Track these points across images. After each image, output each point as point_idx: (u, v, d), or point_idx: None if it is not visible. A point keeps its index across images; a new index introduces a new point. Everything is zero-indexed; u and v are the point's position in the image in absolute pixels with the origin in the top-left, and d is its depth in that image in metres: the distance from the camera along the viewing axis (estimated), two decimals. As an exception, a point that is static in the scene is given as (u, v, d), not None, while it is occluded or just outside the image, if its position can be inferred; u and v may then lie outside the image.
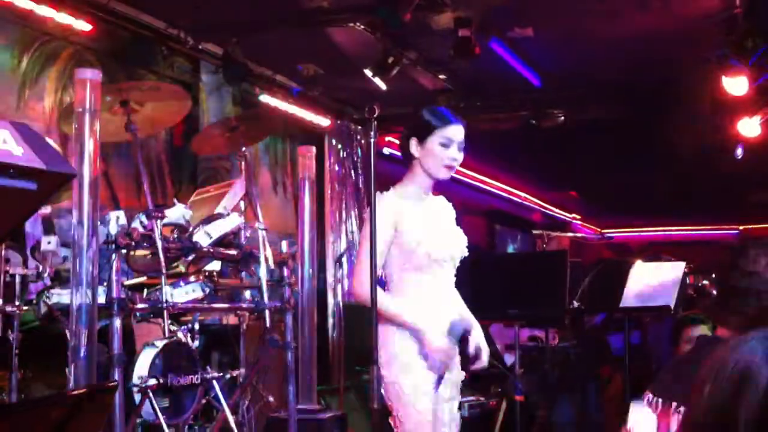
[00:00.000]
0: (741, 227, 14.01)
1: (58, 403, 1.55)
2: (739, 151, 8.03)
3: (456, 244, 3.04)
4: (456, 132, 2.97)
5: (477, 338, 3.00)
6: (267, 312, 4.11)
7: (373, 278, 2.23)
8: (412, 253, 2.92)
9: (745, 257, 1.86)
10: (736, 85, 5.85)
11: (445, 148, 2.94)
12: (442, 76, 6.78)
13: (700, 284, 6.36)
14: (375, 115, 2.16)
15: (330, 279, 7.62)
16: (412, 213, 2.96)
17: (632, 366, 5.03)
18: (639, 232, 15.35)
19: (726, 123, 7.26)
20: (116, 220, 3.47)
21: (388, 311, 2.85)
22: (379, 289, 2.77)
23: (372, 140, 2.16)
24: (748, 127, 7.02)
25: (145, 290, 3.85)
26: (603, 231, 15.24)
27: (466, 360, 2.99)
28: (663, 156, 9.06)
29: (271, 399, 4.71)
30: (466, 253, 3.07)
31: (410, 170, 3.02)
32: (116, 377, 3.28)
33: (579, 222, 14.64)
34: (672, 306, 4.71)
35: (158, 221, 3.55)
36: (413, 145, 2.97)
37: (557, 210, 13.92)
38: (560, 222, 13.52)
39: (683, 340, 4.17)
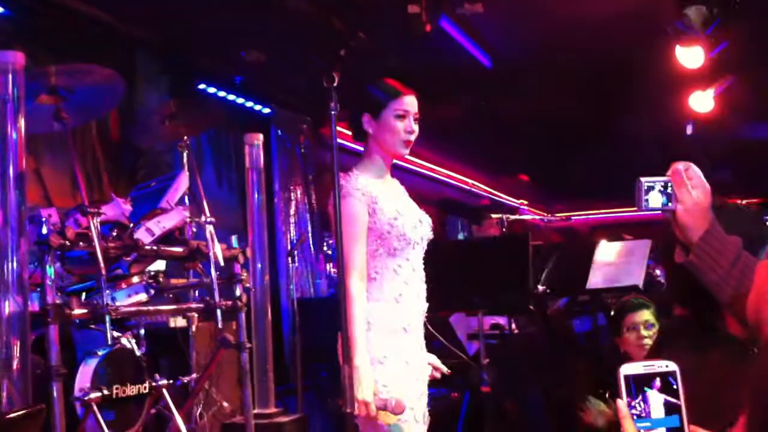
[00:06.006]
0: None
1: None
2: (690, 128, 7.99)
3: (425, 224, 2.90)
4: (411, 102, 2.82)
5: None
6: (218, 311, 3.86)
7: (341, 269, 1.99)
8: (387, 235, 2.74)
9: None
10: (691, 56, 5.73)
11: (401, 120, 2.79)
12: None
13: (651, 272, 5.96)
14: (335, 84, 1.90)
15: (282, 274, 7.33)
16: (382, 192, 2.80)
17: (597, 348, 4.88)
18: (588, 215, 15.35)
19: (678, 101, 7.17)
20: (48, 218, 3.15)
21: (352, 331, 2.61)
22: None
23: (333, 113, 1.90)
24: (701, 101, 6.94)
25: (83, 294, 3.53)
26: (550, 215, 15.19)
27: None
28: (614, 138, 8.97)
29: (225, 404, 4.46)
30: (431, 235, 2.91)
31: (366, 151, 2.88)
32: (55, 392, 3.00)
33: (526, 207, 14.58)
34: (640, 285, 4.56)
35: (95, 218, 3.25)
36: (366, 122, 2.81)
37: (504, 195, 13.84)
38: (509, 207, 13.41)
39: (625, 328, 3.79)
